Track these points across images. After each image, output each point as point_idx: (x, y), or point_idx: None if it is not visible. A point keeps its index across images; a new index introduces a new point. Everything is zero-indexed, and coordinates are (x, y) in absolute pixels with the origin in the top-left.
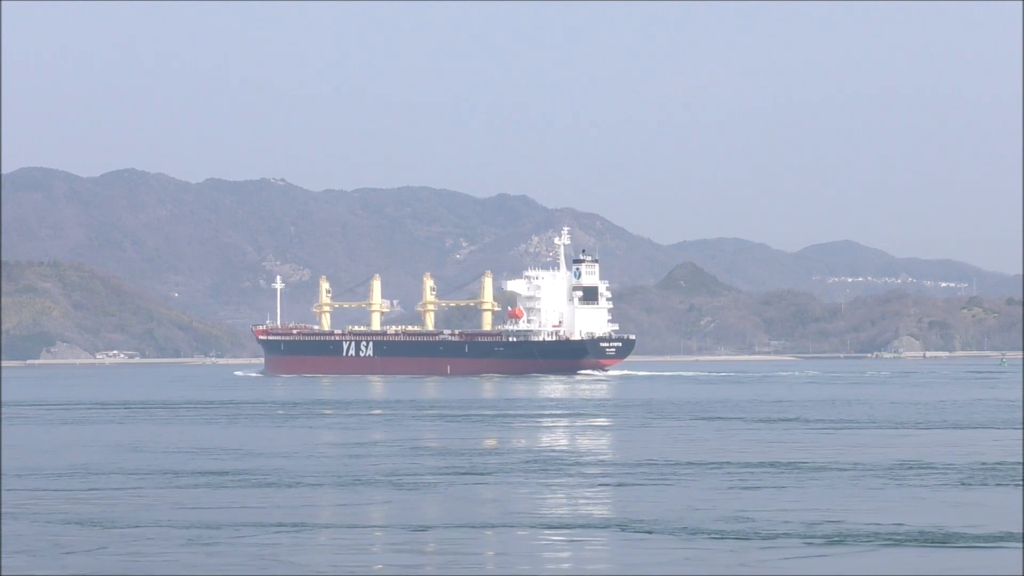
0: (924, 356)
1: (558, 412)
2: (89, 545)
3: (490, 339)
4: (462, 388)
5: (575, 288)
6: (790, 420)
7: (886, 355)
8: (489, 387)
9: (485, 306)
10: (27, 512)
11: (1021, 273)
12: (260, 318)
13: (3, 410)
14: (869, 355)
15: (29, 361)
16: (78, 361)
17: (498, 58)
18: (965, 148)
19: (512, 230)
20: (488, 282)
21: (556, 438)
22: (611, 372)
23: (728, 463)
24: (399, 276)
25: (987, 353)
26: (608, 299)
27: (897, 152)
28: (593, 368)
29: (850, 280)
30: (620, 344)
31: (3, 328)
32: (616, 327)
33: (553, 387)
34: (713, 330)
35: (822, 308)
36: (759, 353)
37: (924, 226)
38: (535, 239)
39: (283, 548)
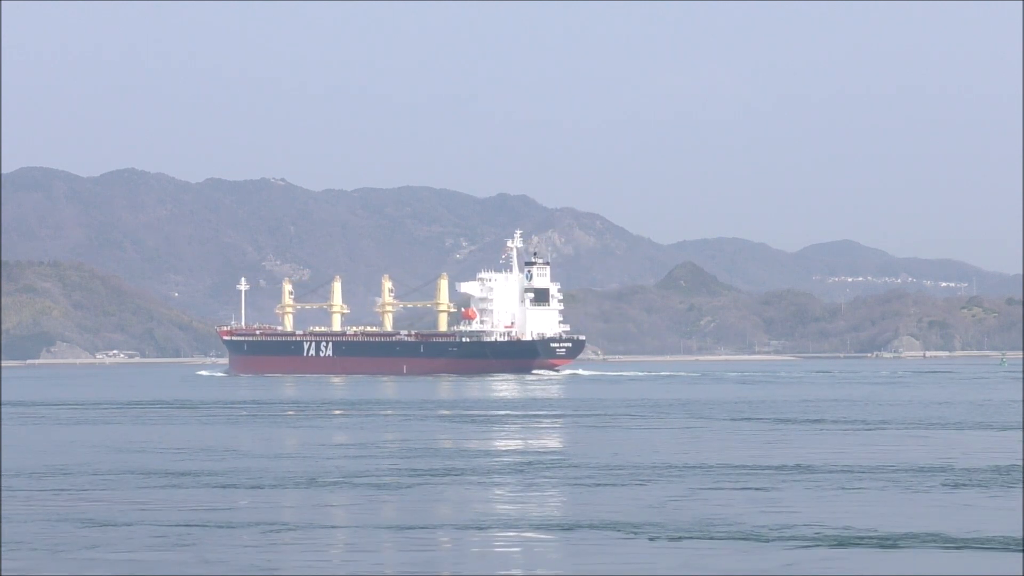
0: (924, 356)
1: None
2: (80, 545)
3: (444, 339)
4: (414, 388)
5: (527, 290)
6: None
7: (886, 355)
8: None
9: (441, 307)
10: (16, 513)
11: (1021, 273)
12: (260, 318)
13: None
14: (869, 355)
15: (29, 361)
16: (78, 361)
17: (498, 58)
18: (965, 148)
19: (512, 230)
20: (444, 284)
21: (509, 438)
22: (562, 372)
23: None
24: (399, 276)
25: (987, 353)
26: (559, 300)
27: (897, 152)
28: (544, 368)
29: (850, 280)
30: (570, 344)
31: (3, 328)
32: (567, 328)
33: (503, 387)
34: (713, 330)
35: (822, 308)
36: (759, 353)
37: (924, 226)
38: (535, 239)
39: (260, 548)
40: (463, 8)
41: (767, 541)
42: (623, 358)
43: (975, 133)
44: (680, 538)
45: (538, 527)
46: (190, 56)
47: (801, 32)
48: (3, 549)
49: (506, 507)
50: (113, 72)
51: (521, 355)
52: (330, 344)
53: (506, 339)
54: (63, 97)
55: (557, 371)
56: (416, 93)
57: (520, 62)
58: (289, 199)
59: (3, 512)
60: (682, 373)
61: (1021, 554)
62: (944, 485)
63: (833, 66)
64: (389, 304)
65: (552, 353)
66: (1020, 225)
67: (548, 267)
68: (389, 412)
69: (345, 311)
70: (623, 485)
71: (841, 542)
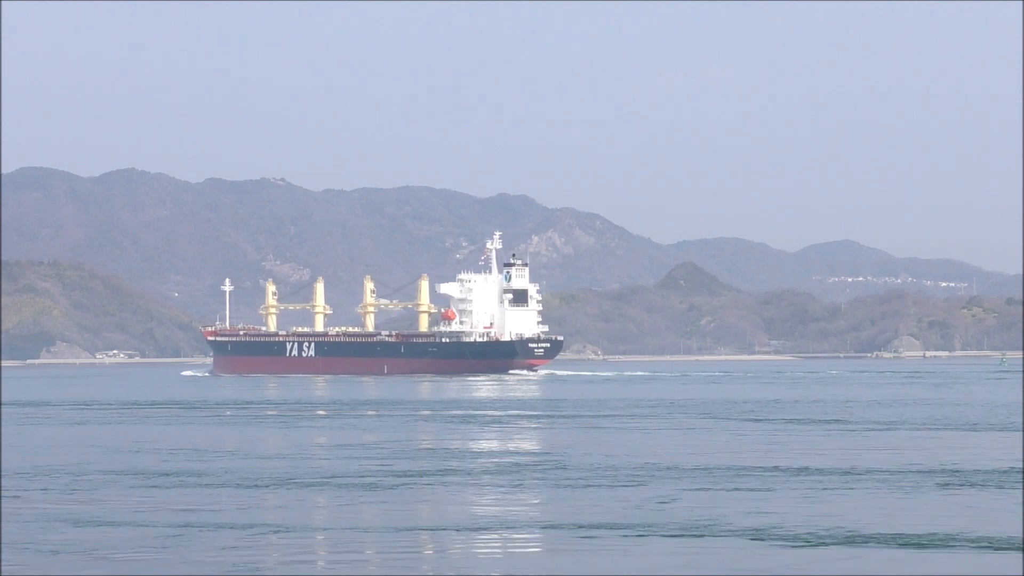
0: (924, 356)
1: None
2: (77, 546)
3: (424, 340)
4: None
5: (506, 291)
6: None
7: (886, 355)
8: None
9: (422, 308)
10: (15, 513)
11: (1021, 273)
12: (257, 319)
13: None
14: (869, 355)
15: (29, 361)
16: (78, 361)
17: (498, 58)
18: (965, 148)
19: (512, 230)
20: (424, 285)
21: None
22: (539, 372)
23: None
24: (399, 276)
25: (987, 353)
26: (538, 301)
27: (897, 152)
28: (523, 368)
29: (850, 280)
30: (548, 345)
31: (3, 328)
32: (545, 328)
33: (480, 387)
34: (713, 330)
35: (822, 308)
36: (759, 353)
37: (924, 226)
38: (535, 239)
39: (242, 549)
40: (463, 8)
41: (764, 541)
42: (623, 358)
43: (975, 133)
44: (676, 537)
45: (529, 527)
46: (190, 56)
47: (801, 32)
48: (3, 549)
49: (492, 508)
50: (113, 72)
51: (500, 355)
52: (312, 344)
53: (485, 340)
54: (63, 97)
55: (535, 371)
56: (416, 93)
57: (520, 62)
58: (289, 199)
59: (3, 512)
60: (658, 373)
61: (1021, 554)
62: (939, 485)
63: (832, 66)
64: (371, 305)
65: (530, 353)
66: (1020, 225)
67: (527, 268)
68: (371, 412)
69: (328, 312)
70: (598, 486)
71: (841, 542)
